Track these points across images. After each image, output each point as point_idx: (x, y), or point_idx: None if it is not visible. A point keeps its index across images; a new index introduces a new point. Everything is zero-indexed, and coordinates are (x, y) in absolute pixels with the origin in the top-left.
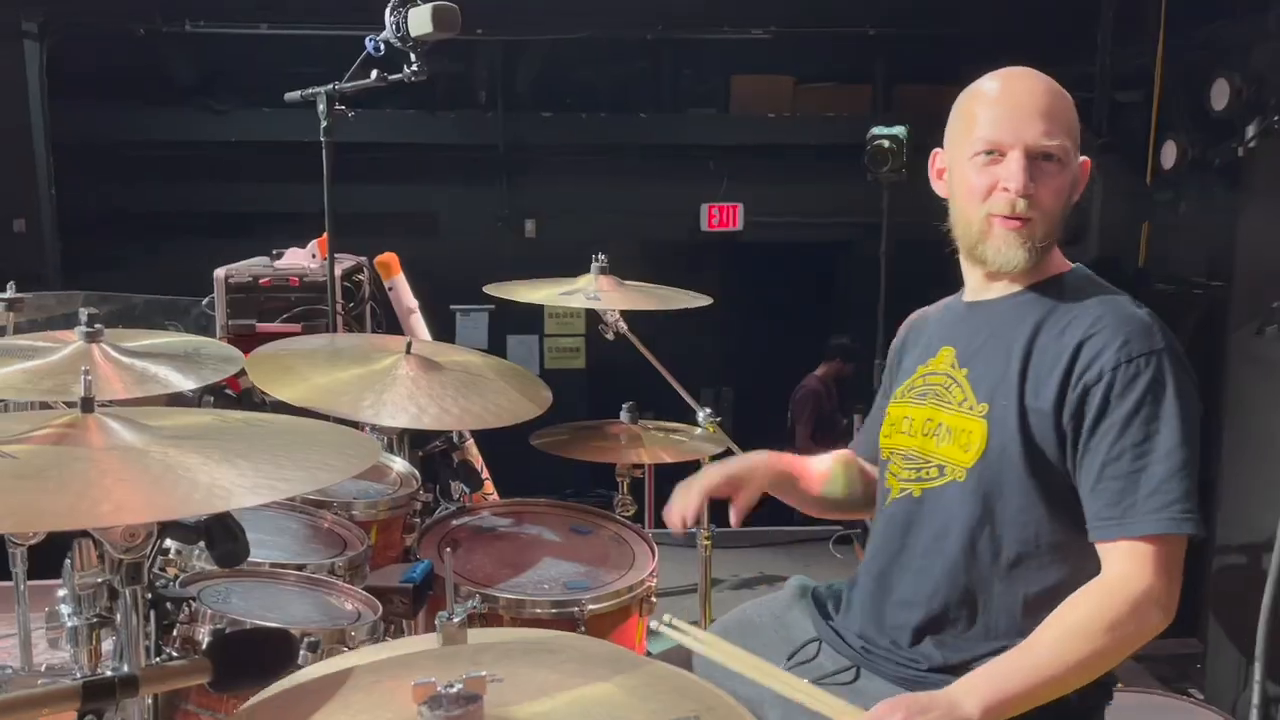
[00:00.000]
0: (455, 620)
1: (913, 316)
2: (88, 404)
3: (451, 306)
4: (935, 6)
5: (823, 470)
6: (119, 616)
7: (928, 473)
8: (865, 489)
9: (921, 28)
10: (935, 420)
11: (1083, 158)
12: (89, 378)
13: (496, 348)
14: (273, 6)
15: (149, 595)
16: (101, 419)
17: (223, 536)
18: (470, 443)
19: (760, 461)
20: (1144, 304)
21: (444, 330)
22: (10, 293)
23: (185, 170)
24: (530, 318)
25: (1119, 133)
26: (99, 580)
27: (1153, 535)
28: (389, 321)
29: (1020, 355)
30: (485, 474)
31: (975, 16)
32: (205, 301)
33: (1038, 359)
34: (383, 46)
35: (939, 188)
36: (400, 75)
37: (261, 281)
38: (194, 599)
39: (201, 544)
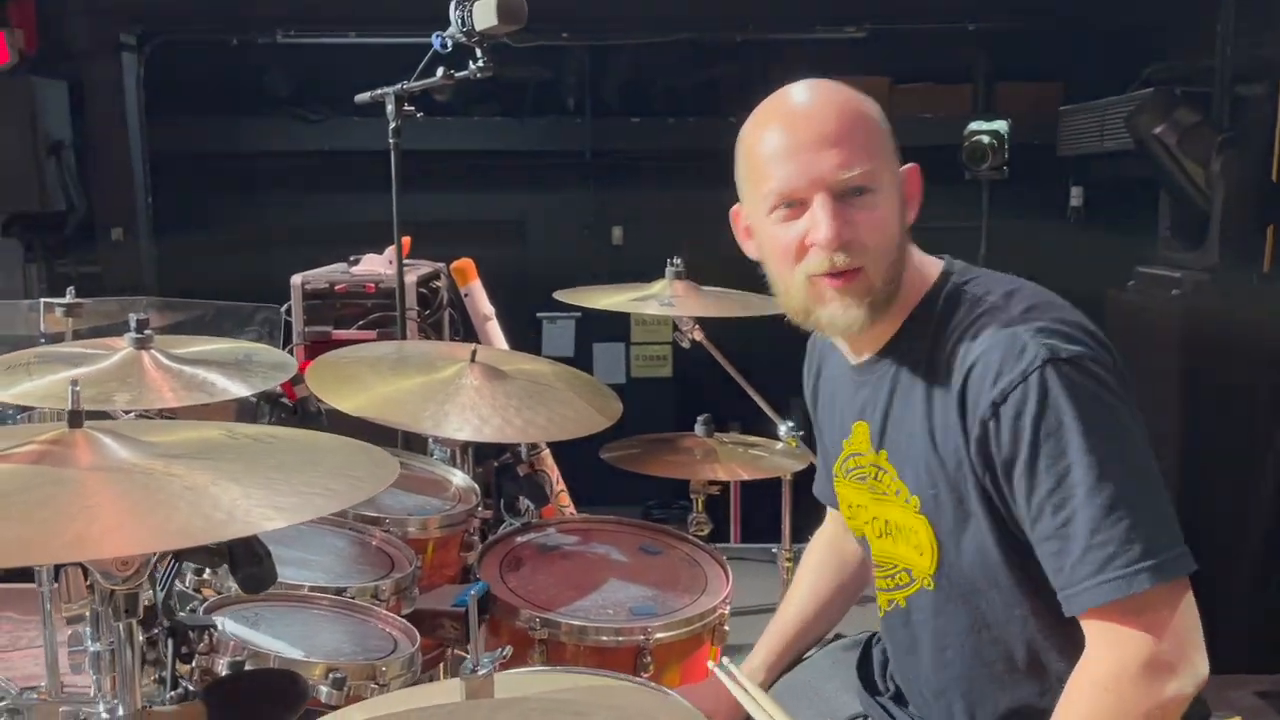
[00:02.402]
0: (481, 673)
1: (812, 357)
2: (75, 418)
3: (538, 314)
4: (1040, 1)
5: (819, 600)
6: (116, 648)
7: (900, 579)
8: (856, 571)
9: (1024, 22)
10: (882, 517)
11: (907, 165)
12: (77, 389)
13: (583, 355)
14: (363, 16)
15: (167, 623)
16: (91, 434)
17: (246, 559)
18: (545, 453)
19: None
20: (1033, 289)
21: (531, 337)
22: (69, 298)
23: (279, 179)
24: (617, 325)
25: (1241, 128)
26: (88, 612)
27: (1107, 604)
28: (466, 329)
29: (925, 431)
30: (561, 486)
31: (1082, 8)
32: (284, 308)
33: (942, 429)
34: (450, 43)
35: (749, 249)
36: (466, 72)
37: (337, 288)
38: (214, 627)
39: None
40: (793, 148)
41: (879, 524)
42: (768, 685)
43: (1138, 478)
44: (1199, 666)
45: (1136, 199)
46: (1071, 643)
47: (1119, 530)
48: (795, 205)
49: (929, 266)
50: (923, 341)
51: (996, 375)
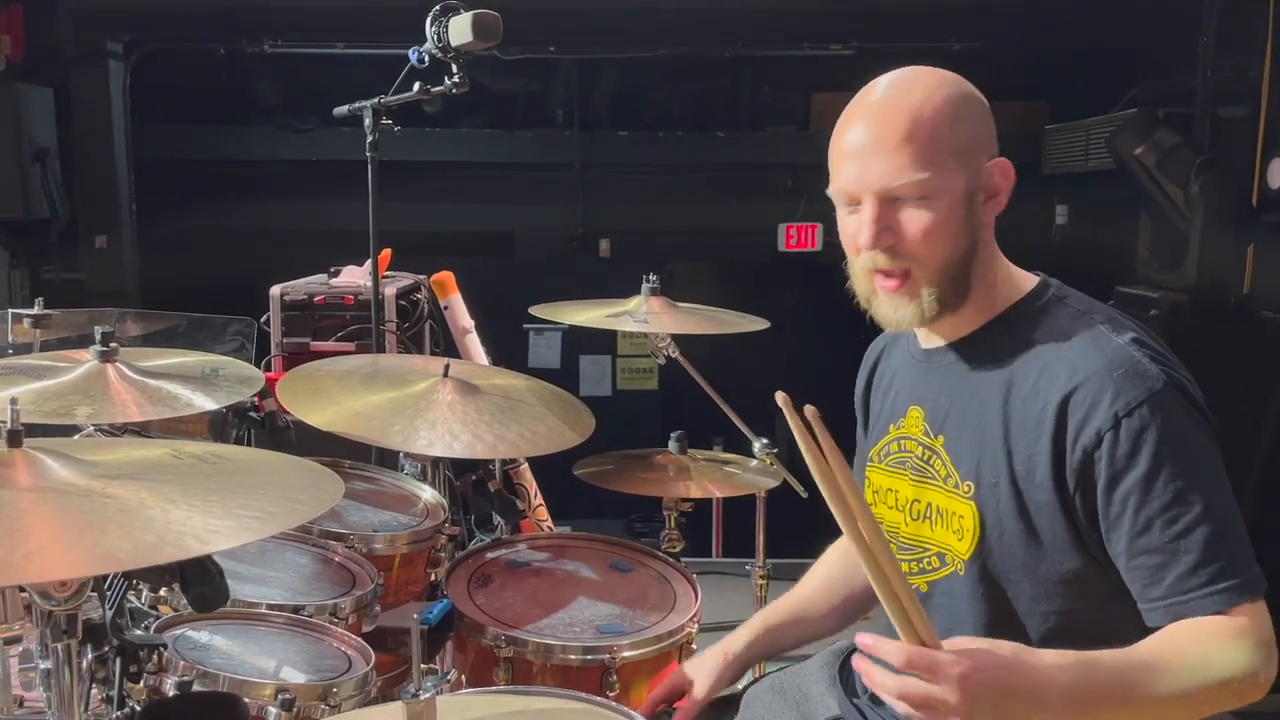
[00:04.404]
0: (422, 697)
1: (875, 346)
2: (14, 437)
3: (525, 326)
4: (1025, 21)
5: (823, 601)
6: (54, 669)
7: (929, 563)
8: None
9: (1011, 42)
10: (923, 500)
11: (995, 159)
12: (16, 407)
13: (569, 367)
14: (351, 27)
15: (116, 641)
16: (31, 454)
17: (197, 578)
18: (524, 467)
19: (708, 663)
20: (1133, 322)
21: (518, 350)
22: (38, 309)
23: (265, 188)
24: (604, 338)
25: (1222, 150)
26: (25, 632)
27: (1225, 610)
28: (447, 341)
29: (999, 422)
30: (539, 499)
31: (1066, 31)
32: (263, 319)
33: (1019, 424)
34: (426, 58)
35: None
36: (443, 87)
37: (316, 300)
38: (163, 646)
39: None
40: (852, 150)
41: (918, 507)
42: (744, 662)
43: (1233, 499)
44: (1273, 678)
45: (1120, 218)
46: (1074, 644)
47: (1230, 547)
48: (854, 203)
49: (1022, 275)
50: (1010, 341)
51: (1118, 390)
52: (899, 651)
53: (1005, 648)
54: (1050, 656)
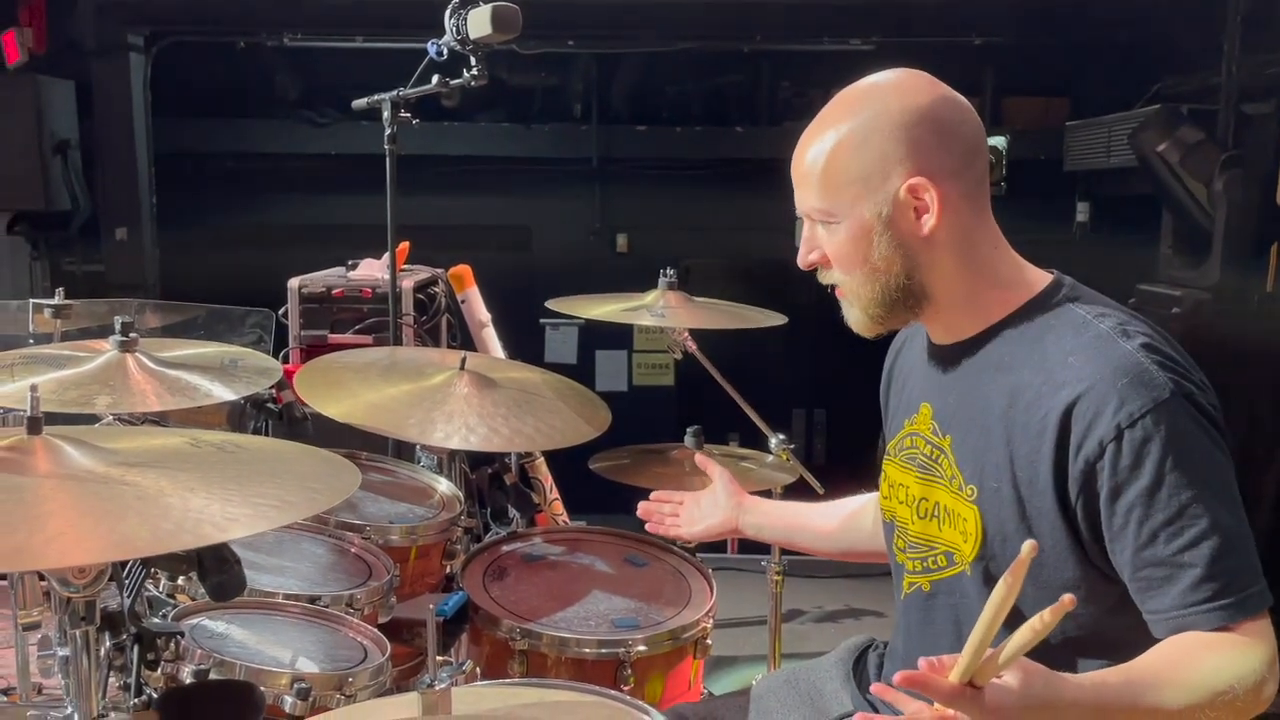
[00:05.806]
0: (438, 687)
1: (899, 339)
2: (34, 425)
3: (541, 320)
4: (1046, 16)
5: (853, 509)
6: (72, 656)
7: (935, 561)
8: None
9: (1032, 38)
10: (931, 499)
11: (911, 180)
12: (36, 395)
13: (586, 362)
14: (370, 20)
15: (134, 629)
16: (50, 441)
17: (215, 567)
18: (539, 461)
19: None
20: (1147, 324)
21: (535, 344)
22: (58, 299)
23: (284, 181)
24: (620, 332)
25: (1246, 148)
26: (44, 619)
27: (1230, 625)
28: (464, 335)
29: (1002, 427)
30: (554, 493)
31: (1089, 26)
32: (281, 311)
33: (1021, 430)
34: (445, 51)
35: None
36: (461, 80)
37: (334, 292)
38: (180, 634)
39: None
40: (791, 173)
41: (925, 505)
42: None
43: (1241, 511)
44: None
45: (1142, 215)
46: (1084, 651)
47: (1236, 561)
48: None
49: (1035, 274)
50: (1017, 344)
51: (1122, 400)
52: (942, 688)
53: (1036, 681)
54: (1071, 683)
